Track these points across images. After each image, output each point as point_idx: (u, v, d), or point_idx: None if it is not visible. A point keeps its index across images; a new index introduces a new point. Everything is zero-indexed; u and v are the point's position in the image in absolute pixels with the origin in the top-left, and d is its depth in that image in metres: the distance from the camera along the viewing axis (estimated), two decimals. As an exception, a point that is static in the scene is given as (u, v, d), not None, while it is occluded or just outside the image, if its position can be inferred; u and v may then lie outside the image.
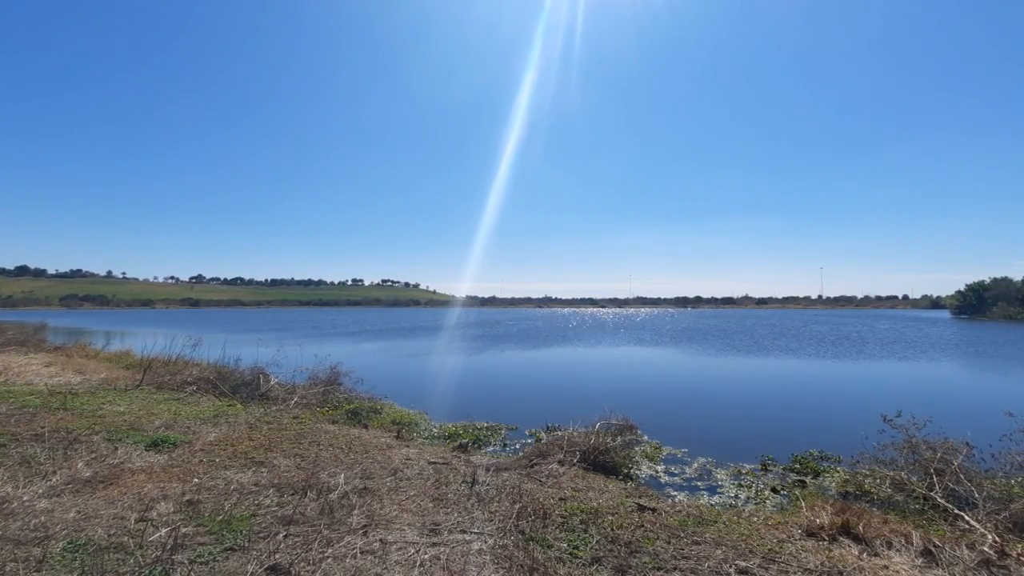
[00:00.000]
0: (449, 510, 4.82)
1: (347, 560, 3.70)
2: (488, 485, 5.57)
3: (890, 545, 4.45)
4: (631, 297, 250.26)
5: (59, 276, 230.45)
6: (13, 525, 4.07)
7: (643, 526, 4.68)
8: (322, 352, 15.77)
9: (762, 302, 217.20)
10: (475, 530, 4.34)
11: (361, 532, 4.19)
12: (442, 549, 3.94)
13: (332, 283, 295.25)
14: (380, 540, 4.04)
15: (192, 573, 3.38)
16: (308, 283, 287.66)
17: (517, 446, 8.78)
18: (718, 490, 6.86)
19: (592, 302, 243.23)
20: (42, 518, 4.24)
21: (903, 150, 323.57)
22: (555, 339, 37.31)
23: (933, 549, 4.32)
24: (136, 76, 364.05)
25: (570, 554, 4.02)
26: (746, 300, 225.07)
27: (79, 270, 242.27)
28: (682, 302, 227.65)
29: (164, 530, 4.00)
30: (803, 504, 5.57)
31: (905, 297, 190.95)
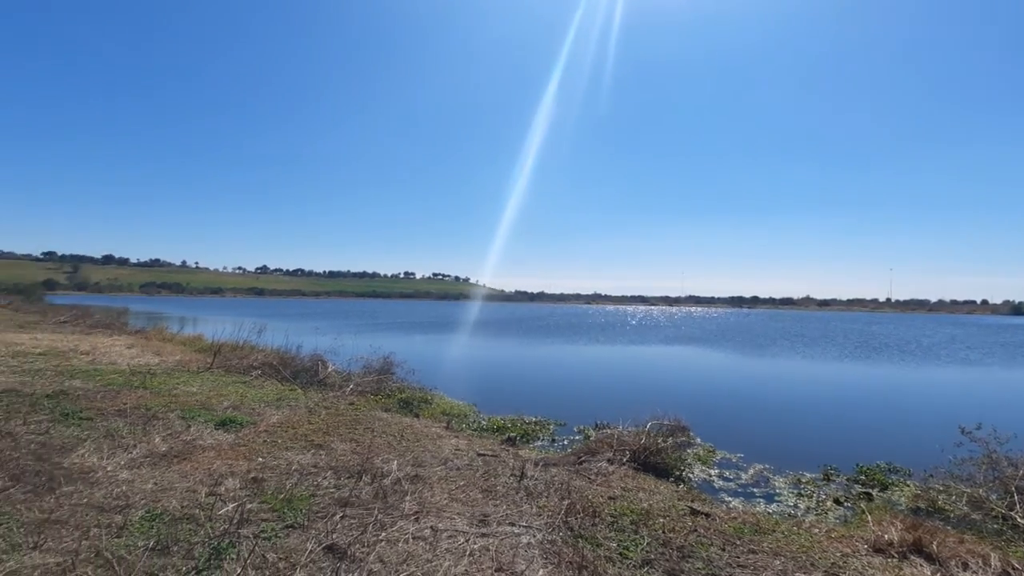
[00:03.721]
0: (498, 502, 4.85)
1: (400, 545, 3.79)
2: (536, 480, 5.57)
3: (966, 566, 4.12)
4: (683, 296, 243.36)
5: (140, 265, 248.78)
6: (98, 493, 4.43)
7: (696, 531, 4.54)
8: (376, 342, 16.26)
9: (824, 303, 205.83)
10: (524, 523, 4.34)
11: (413, 518, 4.29)
12: (491, 540, 3.97)
13: (386, 276, 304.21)
14: (431, 527, 4.12)
15: (256, 547, 3.56)
16: (363, 275, 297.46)
17: (565, 442, 8.73)
18: (776, 498, 6.57)
19: (642, 300, 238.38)
20: (123, 488, 4.58)
21: (1002, 142, 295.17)
22: (605, 336, 36.84)
23: (1012, 572, 3.99)
24: (200, 79, 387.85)
25: (620, 554, 3.95)
26: (807, 301, 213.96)
27: (157, 260, 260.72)
28: (737, 302, 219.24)
29: (231, 505, 4.24)
30: (869, 518, 5.24)
31: (984, 302, 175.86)
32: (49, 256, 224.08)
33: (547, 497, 5.04)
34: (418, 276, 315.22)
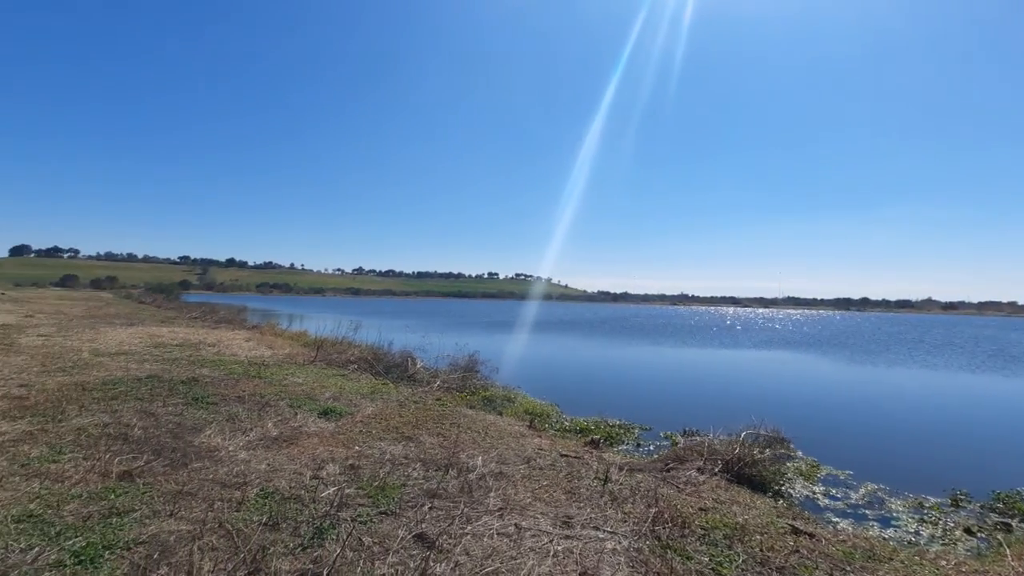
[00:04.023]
0: (582, 505, 4.80)
1: (484, 539, 3.87)
2: (621, 484, 5.44)
3: None
4: (780, 297, 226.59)
5: (256, 267, 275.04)
6: (221, 470, 4.96)
7: (798, 551, 4.19)
8: (461, 341, 16.74)
9: (950, 306, 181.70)
10: (608, 528, 4.25)
11: (497, 514, 4.36)
12: (575, 543, 3.93)
13: (470, 276, 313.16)
14: (515, 525, 4.16)
15: (353, 530, 3.81)
16: (449, 276, 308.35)
17: (651, 448, 8.46)
18: (893, 523, 5.91)
19: (733, 301, 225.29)
20: (242, 467, 5.09)
21: None
22: (694, 339, 35.22)
23: None
24: (287, 106, 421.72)
25: (713, 570, 3.74)
26: (928, 304, 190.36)
27: (270, 262, 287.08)
28: (844, 304, 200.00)
29: (332, 489, 4.56)
30: (1008, 552, 4.58)
31: None
32: (184, 260, 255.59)
33: (632, 503, 4.91)
34: (502, 276, 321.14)
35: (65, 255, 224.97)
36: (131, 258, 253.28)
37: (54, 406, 6.94)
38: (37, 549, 3.32)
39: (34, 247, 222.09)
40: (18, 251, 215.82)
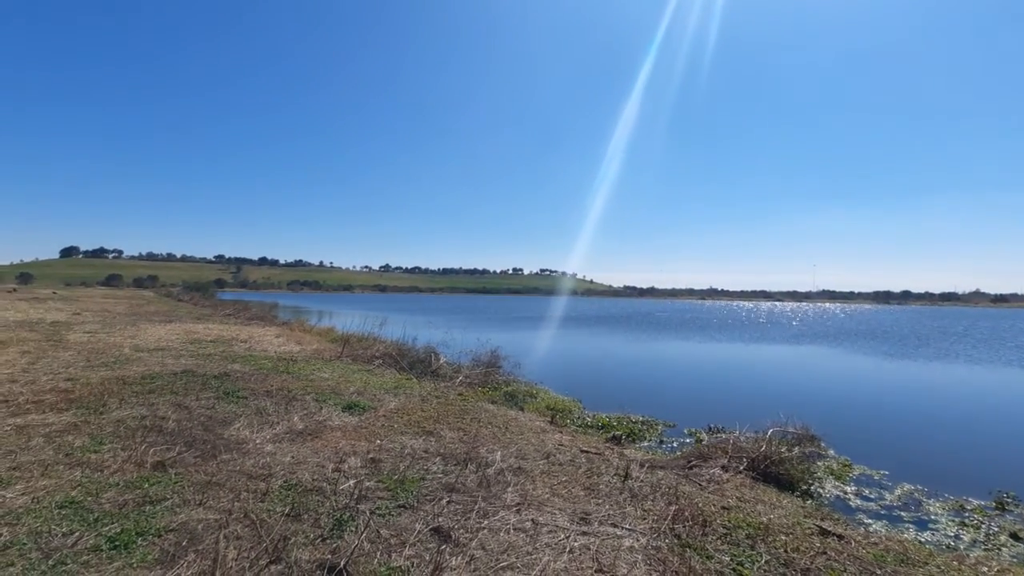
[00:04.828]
0: (600, 501, 4.76)
1: (501, 534, 3.88)
2: (642, 482, 5.38)
3: None
4: (815, 290, 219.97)
5: (287, 265, 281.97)
6: (248, 462, 5.11)
7: (825, 553, 4.07)
8: (484, 336, 16.82)
9: (1000, 299, 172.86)
10: (627, 526, 4.21)
11: (515, 509, 4.36)
12: (592, 540, 3.91)
13: (495, 272, 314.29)
14: (532, 520, 4.16)
15: (371, 523, 3.87)
16: (474, 272, 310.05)
17: (674, 444, 8.34)
18: (930, 525, 5.69)
19: (765, 295, 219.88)
20: (268, 459, 5.23)
21: None
22: (723, 334, 34.52)
23: None
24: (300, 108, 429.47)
25: (733, 570, 3.66)
26: (976, 297, 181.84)
27: (300, 260, 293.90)
28: (883, 297, 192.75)
29: (352, 481, 4.65)
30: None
31: None
32: (219, 259, 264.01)
33: (653, 501, 4.85)
34: (526, 272, 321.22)
35: (110, 255, 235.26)
36: (170, 258, 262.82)
37: (96, 399, 7.27)
38: (77, 534, 3.48)
39: (82, 248, 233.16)
40: (67, 252, 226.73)
